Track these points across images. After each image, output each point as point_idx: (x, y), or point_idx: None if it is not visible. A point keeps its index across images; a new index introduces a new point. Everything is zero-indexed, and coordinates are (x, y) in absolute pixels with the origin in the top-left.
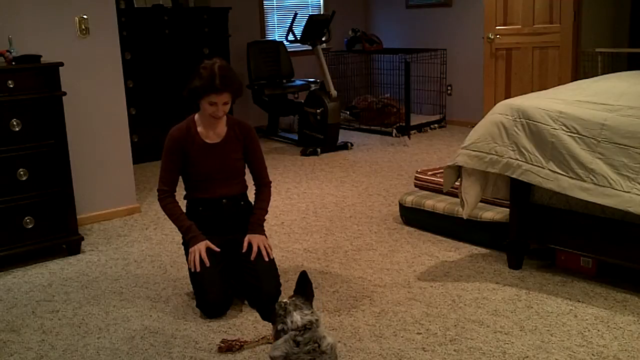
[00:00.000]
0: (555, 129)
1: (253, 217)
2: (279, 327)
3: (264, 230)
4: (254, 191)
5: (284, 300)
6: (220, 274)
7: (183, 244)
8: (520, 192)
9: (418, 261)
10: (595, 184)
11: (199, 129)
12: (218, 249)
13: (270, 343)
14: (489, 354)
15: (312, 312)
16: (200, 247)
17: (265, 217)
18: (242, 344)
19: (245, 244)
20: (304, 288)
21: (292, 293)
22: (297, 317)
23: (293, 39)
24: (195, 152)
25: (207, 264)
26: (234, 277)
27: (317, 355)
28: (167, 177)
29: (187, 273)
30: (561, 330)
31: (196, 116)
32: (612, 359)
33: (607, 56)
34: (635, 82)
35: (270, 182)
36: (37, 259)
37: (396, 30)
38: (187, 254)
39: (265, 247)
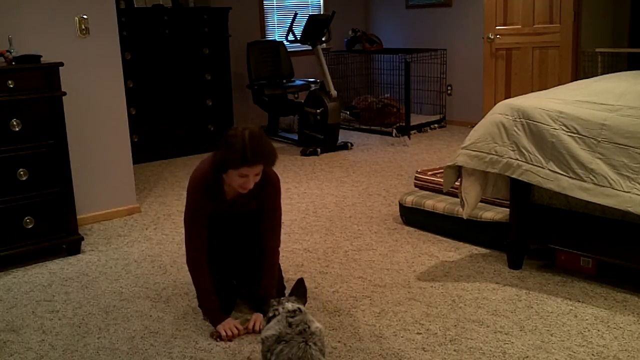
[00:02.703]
0: (555, 129)
1: (260, 295)
2: (270, 314)
3: None
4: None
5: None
6: (224, 276)
7: (200, 306)
8: (520, 192)
9: (418, 261)
10: (595, 184)
11: (226, 187)
12: (241, 327)
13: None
14: (489, 354)
15: (301, 305)
16: (230, 324)
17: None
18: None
19: (251, 324)
20: (299, 292)
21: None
22: (288, 304)
23: (293, 39)
24: (218, 211)
25: (238, 333)
26: (237, 278)
27: (308, 336)
28: (199, 235)
29: (187, 273)
30: (561, 330)
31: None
32: (612, 359)
33: (607, 56)
34: (635, 82)
35: (279, 244)
36: (37, 259)
37: (396, 30)
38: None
39: None
